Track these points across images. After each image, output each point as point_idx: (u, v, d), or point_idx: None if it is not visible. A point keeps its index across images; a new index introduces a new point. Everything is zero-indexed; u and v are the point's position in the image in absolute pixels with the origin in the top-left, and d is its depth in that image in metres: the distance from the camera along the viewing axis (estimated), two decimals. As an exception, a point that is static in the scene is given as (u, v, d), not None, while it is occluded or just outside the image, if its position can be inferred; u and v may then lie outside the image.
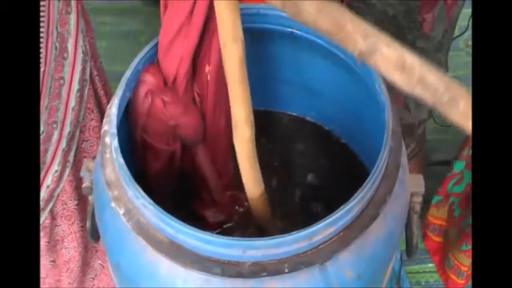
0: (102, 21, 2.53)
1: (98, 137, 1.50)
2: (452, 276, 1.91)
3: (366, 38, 0.86)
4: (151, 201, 1.01)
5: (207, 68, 1.13)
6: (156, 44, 1.17)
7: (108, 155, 1.10)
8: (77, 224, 1.54)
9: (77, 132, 1.44)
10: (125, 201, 1.06)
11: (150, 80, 1.14)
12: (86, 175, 1.19)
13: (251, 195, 1.17)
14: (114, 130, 1.07)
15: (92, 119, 1.49)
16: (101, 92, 1.51)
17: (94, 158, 1.31)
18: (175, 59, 1.12)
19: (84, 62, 1.39)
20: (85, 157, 1.50)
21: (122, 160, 1.04)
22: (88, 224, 1.21)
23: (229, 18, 1.00)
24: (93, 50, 1.48)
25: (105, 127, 1.13)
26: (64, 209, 1.50)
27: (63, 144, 1.40)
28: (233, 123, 1.09)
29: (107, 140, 1.11)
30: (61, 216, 1.51)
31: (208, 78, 1.13)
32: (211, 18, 1.06)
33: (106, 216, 1.11)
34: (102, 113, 1.52)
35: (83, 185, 1.20)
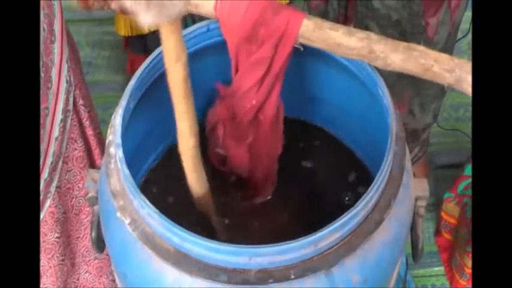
0: (106, 31, 2.54)
1: (82, 167, 1.49)
2: (456, 276, 1.91)
3: (452, 72, 1.01)
4: (157, 211, 1.01)
5: (261, 117, 1.23)
6: (160, 54, 1.18)
7: (113, 165, 1.11)
8: (57, 257, 1.51)
9: (60, 163, 1.42)
10: (130, 211, 1.07)
11: (219, 112, 1.26)
12: (90, 185, 1.20)
13: (195, 195, 1.23)
14: (119, 140, 1.07)
15: (75, 149, 1.47)
16: (86, 123, 1.49)
17: (79, 188, 1.47)
18: (244, 107, 1.22)
19: (68, 92, 1.39)
20: (69, 188, 1.49)
21: (127, 170, 1.04)
22: (93, 234, 1.20)
23: (172, 40, 1.06)
24: (79, 78, 1.47)
25: (109, 137, 1.13)
26: (44, 241, 1.47)
27: (45, 174, 1.38)
28: (178, 134, 1.16)
29: (112, 150, 1.11)
30: (40, 250, 1.47)
31: (262, 124, 1.24)
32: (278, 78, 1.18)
33: (111, 226, 1.11)
34: (86, 143, 1.51)
35: (88, 196, 1.20)
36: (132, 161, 1.12)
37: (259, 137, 1.27)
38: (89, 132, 1.51)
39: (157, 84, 1.22)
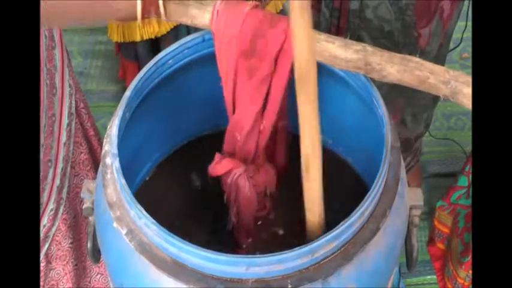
0: (97, 41, 2.54)
1: (88, 170, 1.51)
2: (449, 286, 1.92)
3: (447, 84, 1.01)
4: (154, 221, 1.01)
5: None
6: (156, 63, 1.18)
7: (109, 176, 1.11)
8: (72, 262, 1.52)
9: (68, 168, 1.44)
10: (127, 221, 1.06)
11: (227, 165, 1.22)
12: (86, 196, 1.20)
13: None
14: (115, 151, 1.07)
15: (81, 152, 1.49)
16: (88, 124, 1.51)
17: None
18: (254, 141, 1.21)
19: (71, 96, 1.40)
20: (77, 192, 1.50)
21: (123, 180, 1.04)
22: (89, 244, 1.20)
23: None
24: (75, 82, 1.48)
25: (105, 147, 1.13)
26: (59, 249, 1.49)
27: (57, 181, 1.40)
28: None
29: (108, 160, 1.11)
30: (56, 258, 1.49)
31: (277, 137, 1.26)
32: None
33: (108, 236, 1.11)
34: (89, 145, 1.52)
35: (84, 206, 1.19)
36: (128, 170, 1.11)
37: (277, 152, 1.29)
38: (91, 133, 1.53)
39: (152, 94, 1.23)
